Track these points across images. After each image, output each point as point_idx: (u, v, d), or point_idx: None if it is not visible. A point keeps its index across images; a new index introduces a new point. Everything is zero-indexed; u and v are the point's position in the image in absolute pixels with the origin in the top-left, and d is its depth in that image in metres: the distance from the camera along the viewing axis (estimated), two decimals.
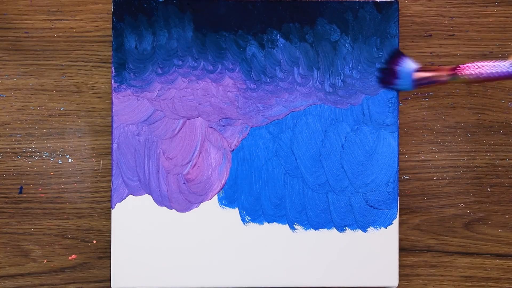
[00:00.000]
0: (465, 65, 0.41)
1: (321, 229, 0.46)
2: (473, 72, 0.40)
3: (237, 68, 0.47)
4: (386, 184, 0.46)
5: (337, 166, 0.47)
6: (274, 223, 0.46)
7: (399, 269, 0.47)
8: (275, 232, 0.46)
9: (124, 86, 0.46)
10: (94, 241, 0.48)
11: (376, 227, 0.47)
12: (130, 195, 0.46)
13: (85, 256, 0.48)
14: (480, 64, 0.41)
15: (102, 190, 0.48)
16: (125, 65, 0.46)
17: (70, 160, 0.48)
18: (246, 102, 0.47)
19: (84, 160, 0.48)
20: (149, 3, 0.46)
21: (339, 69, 0.47)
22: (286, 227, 0.46)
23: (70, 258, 0.48)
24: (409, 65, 0.44)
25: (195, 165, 0.47)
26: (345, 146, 0.47)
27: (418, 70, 0.44)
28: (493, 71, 0.40)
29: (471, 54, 0.49)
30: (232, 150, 0.47)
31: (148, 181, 0.46)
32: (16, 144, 0.48)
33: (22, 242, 0.48)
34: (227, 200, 0.47)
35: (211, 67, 0.47)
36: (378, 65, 0.46)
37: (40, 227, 0.48)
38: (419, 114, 0.49)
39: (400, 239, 0.48)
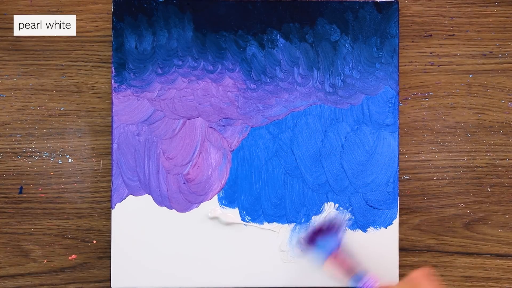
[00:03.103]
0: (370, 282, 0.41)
1: None
2: None
3: (237, 68, 0.47)
4: (386, 184, 0.46)
5: (337, 166, 0.47)
6: (274, 223, 0.46)
7: (399, 269, 0.47)
8: (275, 232, 0.46)
9: (124, 86, 0.46)
10: (94, 241, 0.48)
11: (376, 227, 0.47)
12: (130, 195, 0.46)
13: (85, 256, 0.48)
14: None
15: (102, 190, 0.48)
16: (125, 65, 0.46)
17: (70, 160, 0.48)
18: (246, 102, 0.47)
19: (84, 160, 0.48)
20: (149, 3, 0.46)
21: (339, 69, 0.47)
22: (286, 226, 0.46)
23: (70, 258, 0.48)
24: (330, 245, 0.44)
25: (195, 165, 0.47)
26: (345, 146, 0.47)
27: (334, 257, 0.43)
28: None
29: (471, 54, 0.49)
30: (232, 150, 0.47)
31: (148, 181, 0.46)
32: (16, 144, 0.48)
33: (22, 242, 0.48)
34: (227, 200, 0.46)
35: (211, 67, 0.47)
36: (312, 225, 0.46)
37: (40, 227, 0.48)
38: (419, 114, 0.49)
39: (400, 239, 0.48)
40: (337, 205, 0.46)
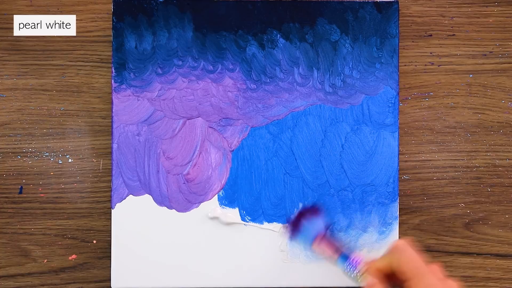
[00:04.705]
0: (357, 259, 0.40)
1: None
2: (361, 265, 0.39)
3: (237, 68, 0.47)
4: (386, 184, 0.46)
5: (337, 166, 0.47)
6: (274, 223, 0.46)
7: None
8: (275, 231, 0.46)
9: (124, 86, 0.46)
10: (94, 241, 0.48)
11: (376, 227, 0.46)
12: (130, 195, 0.46)
13: (85, 256, 0.48)
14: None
15: (102, 190, 0.48)
16: (125, 65, 0.46)
17: (70, 160, 0.48)
18: (246, 102, 0.47)
19: (84, 160, 0.48)
20: (149, 3, 0.46)
21: (339, 69, 0.47)
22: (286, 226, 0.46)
23: (70, 258, 0.48)
24: (316, 227, 0.44)
25: (195, 165, 0.47)
26: (345, 146, 0.47)
27: (320, 239, 0.43)
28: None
29: (471, 54, 0.49)
30: (232, 150, 0.47)
31: (148, 181, 0.46)
32: (16, 144, 0.48)
33: (22, 242, 0.48)
34: (227, 200, 0.46)
35: (211, 67, 0.47)
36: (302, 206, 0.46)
37: (40, 227, 0.48)
38: (419, 114, 0.49)
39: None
40: None
